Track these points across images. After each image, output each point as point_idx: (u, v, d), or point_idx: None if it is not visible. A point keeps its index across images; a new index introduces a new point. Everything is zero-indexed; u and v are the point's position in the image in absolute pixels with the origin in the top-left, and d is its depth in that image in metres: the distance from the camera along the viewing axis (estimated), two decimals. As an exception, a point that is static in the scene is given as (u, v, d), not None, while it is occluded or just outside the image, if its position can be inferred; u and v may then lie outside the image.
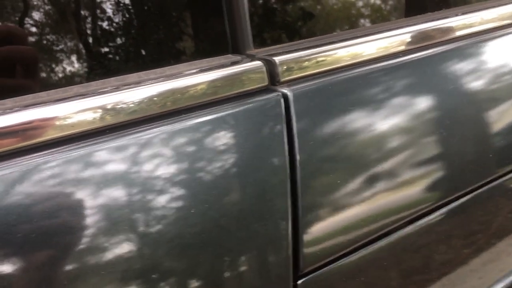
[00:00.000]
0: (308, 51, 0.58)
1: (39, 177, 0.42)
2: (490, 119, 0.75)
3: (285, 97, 0.54)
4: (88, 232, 0.44)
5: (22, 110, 0.43)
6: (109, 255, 0.45)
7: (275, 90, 0.54)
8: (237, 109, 0.52)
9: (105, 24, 0.52)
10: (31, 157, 0.42)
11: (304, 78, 0.57)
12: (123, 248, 0.45)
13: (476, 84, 0.72)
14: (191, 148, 0.49)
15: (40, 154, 0.43)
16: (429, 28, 0.70)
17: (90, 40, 0.52)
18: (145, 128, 0.47)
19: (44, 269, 0.42)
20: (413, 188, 0.64)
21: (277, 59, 0.55)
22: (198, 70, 0.52)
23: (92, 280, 0.44)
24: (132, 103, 0.47)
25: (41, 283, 0.42)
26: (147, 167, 0.46)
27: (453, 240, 0.73)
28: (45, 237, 0.42)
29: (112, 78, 0.50)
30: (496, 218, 0.81)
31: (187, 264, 0.49)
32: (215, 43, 0.57)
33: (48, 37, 0.50)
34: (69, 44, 0.51)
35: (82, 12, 0.51)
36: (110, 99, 0.47)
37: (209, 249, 0.50)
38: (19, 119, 0.43)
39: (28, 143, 0.43)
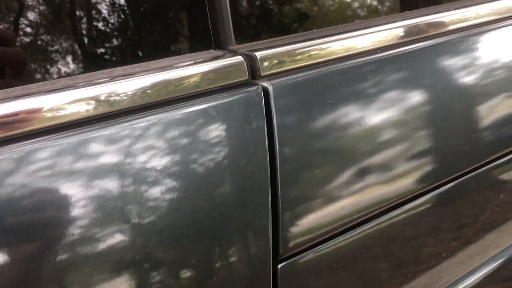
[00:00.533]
0: (289, 47, 0.61)
1: (30, 164, 0.45)
2: (473, 109, 0.77)
3: (265, 90, 0.57)
4: (72, 219, 0.46)
5: (13, 100, 0.46)
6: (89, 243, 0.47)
7: (255, 84, 0.57)
8: (219, 102, 0.54)
9: (90, 21, 0.55)
10: (22, 144, 0.45)
11: (285, 73, 0.59)
12: (104, 236, 0.48)
13: (460, 74, 0.75)
14: (174, 139, 0.52)
15: (30, 142, 0.46)
16: (412, 24, 0.73)
17: (76, 36, 0.55)
18: (129, 119, 0.50)
19: (33, 261, 0.45)
20: (392, 178, 0.67)
21: (258, 54, 0.58)
22: (181, 64, 0.55)
23: (81, 269, 0.47)
24: (116, 95, 0.50)
25: (32, 274, 0.45)
26: (129, 157, 0.49)
27: (434, 229, 0.75)
28: (36, 225, 0.45)
29: (98, 72, 0.53)
30: (484, 211, 0.84)
31: (170, 250, 0.51)
32: (198, 39, 0.60)
33: (35, 34, 0.53)
34: (54, 40, 0.53)
35: (68, 9, 0.54)
36: (97, 91, 0.49)
37: (192, 235, 0.52)
38: (11, 109, 0.46)
39: (19, 132, 0.46)
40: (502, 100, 0.83)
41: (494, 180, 0.84)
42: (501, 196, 0.84)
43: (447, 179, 0.73)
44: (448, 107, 0.73)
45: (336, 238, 0.62)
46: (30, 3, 0.52)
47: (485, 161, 0.79)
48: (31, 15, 0.52)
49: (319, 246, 0.61)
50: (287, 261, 0.59)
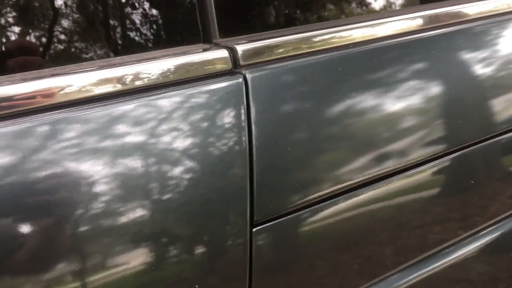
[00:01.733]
0: (267, 41, 0.70)
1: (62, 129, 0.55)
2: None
3: (244, 77, 0.66)
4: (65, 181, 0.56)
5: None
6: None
7: (237, 72, 0.66)
8: (205, 87, 0.64)
9: (97, 15, 0.64)
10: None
11: (262, 63, 0.69)
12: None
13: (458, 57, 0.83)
14: (168, 119, 0.62)
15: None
16: (391, 21, 0.81)
17: (83, 28, 0.64)
18: (126, 100, 0.60)
19: (57, 231, 0.54)
20: (363, 154, 0.75)
21: (238, 47, 0.67)
22: (173, 55, 0.65)
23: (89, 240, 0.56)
24: (112, 80, 0.59)
25: (53, 245, 0.55)
26: (120, 139, 0.58)
27: (411, 204, 0.83)
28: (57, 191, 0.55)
29: (98, 60, 0.63)
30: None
31: (157, 217, 0.61)
32: (189, 33, 0.69)
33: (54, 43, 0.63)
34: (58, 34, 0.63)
35: (70, 7, 0.63)
36: (97, 76, 0.59)
37: (179, 203, 0.62)
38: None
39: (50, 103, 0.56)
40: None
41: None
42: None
43: (420, 159, 0.81)
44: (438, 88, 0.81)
45: (306, 209, 0.71)
46: (62, 10, 0.61)
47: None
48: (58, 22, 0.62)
49: (292, 215, 0.70)
50: (262, 226, 0.68)
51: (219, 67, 0.66)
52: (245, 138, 0.66)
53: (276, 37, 0.70)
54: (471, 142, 0.89)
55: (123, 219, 0.59)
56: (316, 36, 0.72)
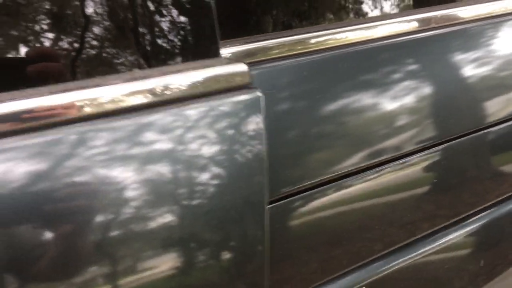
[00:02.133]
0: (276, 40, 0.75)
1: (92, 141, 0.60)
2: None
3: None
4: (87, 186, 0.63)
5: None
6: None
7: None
8: (223, 100, 0.68)
9: (118, 27, 0.66)
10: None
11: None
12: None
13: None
14: (199, 126, 0.67)
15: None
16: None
17: (95, 42, 0.66)
18: (151, 113, 0.64)
19: (92, 237, 0.61)
20: (377, 137, 0.81)
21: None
22: (190, 69, 0.67)
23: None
24: (141, 93, 0.64)
25: (86, 248, 0.61)
26: (142, 150, 0.63)
27: (423, 185, 0.91)
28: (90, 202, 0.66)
29: (121, 74, 0.65)
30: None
31: (183, 200, 0.68)
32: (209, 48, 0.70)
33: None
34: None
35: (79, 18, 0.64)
36: (123, 89, 0.63)
37: (202, 187, 0.70)
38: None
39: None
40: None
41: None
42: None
43: (434, 142, 0.88)
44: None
45: (318, 188, 0.81)
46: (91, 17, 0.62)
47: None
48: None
49: (305, 193, 0.80)
50: (277, 203, 0.79)
51: (238, 81, 0.69)
52: (263, 134, 0.71)
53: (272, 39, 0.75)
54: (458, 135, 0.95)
55: (156, 215, 0.67)
56: (310, 38, 0.78)
